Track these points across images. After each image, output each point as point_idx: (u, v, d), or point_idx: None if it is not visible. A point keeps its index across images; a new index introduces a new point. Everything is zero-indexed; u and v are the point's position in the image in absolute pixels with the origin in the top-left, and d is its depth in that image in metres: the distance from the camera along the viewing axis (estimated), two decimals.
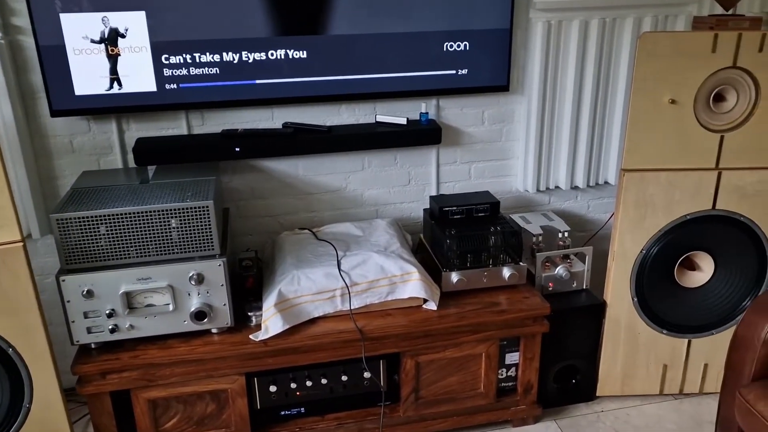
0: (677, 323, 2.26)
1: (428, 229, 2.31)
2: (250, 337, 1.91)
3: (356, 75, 2.23)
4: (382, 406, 2.11)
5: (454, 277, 2.11)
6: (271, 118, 2.27)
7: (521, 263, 2.16)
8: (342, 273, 2.00)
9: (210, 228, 1.82)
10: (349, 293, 1.98)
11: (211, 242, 1.84)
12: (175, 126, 2.21)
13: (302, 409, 2.10)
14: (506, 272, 2.14)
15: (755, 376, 1.73)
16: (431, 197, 2.32)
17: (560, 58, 2.36)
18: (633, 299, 2.22)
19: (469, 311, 2.04)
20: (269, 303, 1.93)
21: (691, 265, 2.27)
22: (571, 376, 2.34)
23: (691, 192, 2.10)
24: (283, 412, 2.09)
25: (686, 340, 2.28)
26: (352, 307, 2.00)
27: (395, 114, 2.34)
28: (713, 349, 2.28)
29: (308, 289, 1.97)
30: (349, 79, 2.23)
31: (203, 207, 1.80)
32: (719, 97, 2.05)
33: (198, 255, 1.85)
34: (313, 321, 1.99)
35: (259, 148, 2.20)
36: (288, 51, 2.14)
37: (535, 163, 2.49)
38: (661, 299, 2.24)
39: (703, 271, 2.25)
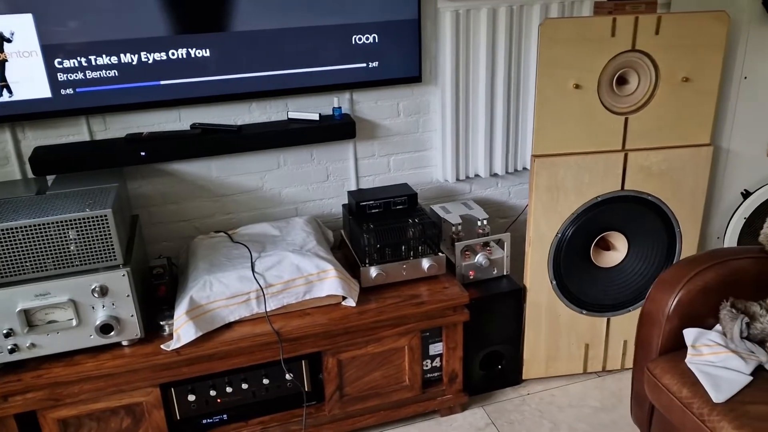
0: (596, 303, 2.31)
1: (347, 225, 2.29)
2: (162, 347, 1.85)
3: (264, 72, 2.18)
4: (304, 408, 2.08)
5: (373, 271, 2.09)
6: (179, 120, 2.20)
7: (440, 254, 2.16)
8: (256, 275, 1.95)
9: (110, 238, 1.75)
10: (264, 295, 1.94)
11: (113, 252, 1.76)
12: (75, 132, 2.11)
13: (225, 416, 2.06)
14: (425, 263, 2.14)
15: (662, 351, 1.78)
16: (349, 192, 2.30)
17: (471, 48, 2.37)
18: (552, 282, 2.25)
19: (389, 305, 2.03)
20: (180, 311, 1.87)
21: (607, 246, 2.32)
22: (496, 362, 2.36)
23: (600, 174, 2.14)
24: (204, 421, 2.04)
25: (605, 319, 2.34)
26: (269, 309, 1.97)
27: (308, 110, 2.30)
28: (631, 325, 2.34)
29: (221, 294, 1.92)
30: (257, 76, 2.17)
31: (101, 216, 1.72)
32: (622, 80, 2.10)
33: (101, 266, 1.78)
34: (230, 326, 1.94)
35: (166, 152, 2.13)
36: (190, 50, 2.07)
37: (452, 153, 2.49)
38: (579, 280, 2.28)
39: (618, 250, 2.30)
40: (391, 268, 2.12)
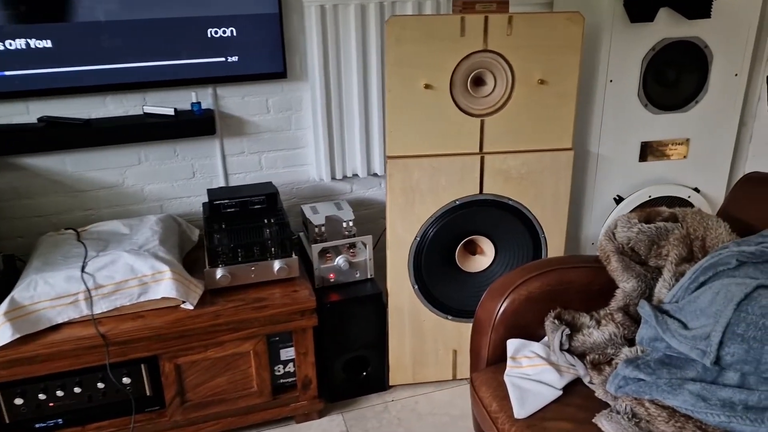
0: (462, 308, 2.25)
1: (204, 224, 2.22)
2: None
3: (116, 64, 2.10)
4: (132, 415, 2.01)
5: (218, 273, 2.03)
6: (27, 113, 2.12)
7: (293, 256, 2.10)
8: (86, 275, 1.88)
9: None
10: (91, 296, 1.87)
11: None
12: None
13: (60, 420, 1.99)
14: (276, 266, 2.08)
15: (489, 361, 1.73)
16: (208, 190, 2.23)
17: (342, 44, 2.30)
18: (414, 287, 2.20)
19: (228, 309, 1.97)
20: (0, 311, 1.80)
21: (476, 250, 2.27)
22: (363, 367, 2.30)
23: (457, 177, 2.08)
24: (38, 425, 1.97)
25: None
26: (102, 311, 1.90)
27: (168, 104, 2.23)
28: None
29: (46, 295, 1.85)
30: (108, 68, 2.10)
31: None
32: (480, 81, 2.03)
33: None
34: (58, 327, 1.87)
35: (8, 146, 2.05)
36: (29, 40, 1.99)
37: (327, 151, 2.42)
38: (444, 285, 2.23)
39: (486, 255, 2.25)
40: (238, 270, 2.05)
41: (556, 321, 1.66)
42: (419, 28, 1.91)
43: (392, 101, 1.98)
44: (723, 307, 1.36)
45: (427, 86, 1.97)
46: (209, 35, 2.15)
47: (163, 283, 1.93)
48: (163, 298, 1.94)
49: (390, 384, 2.34)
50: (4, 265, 2.00)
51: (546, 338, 1.70)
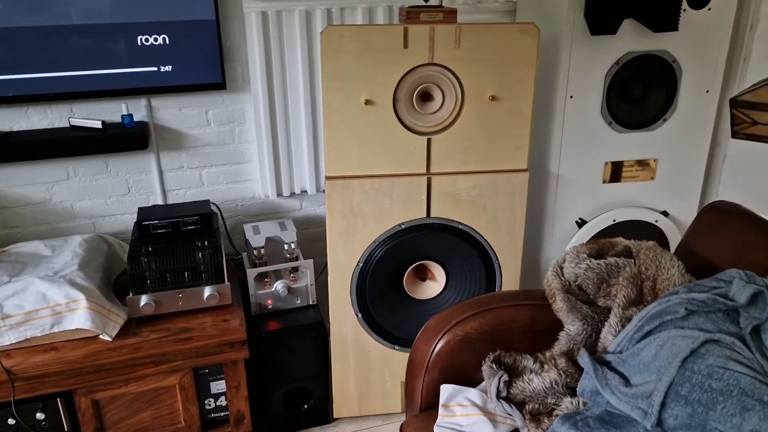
0: (410, 338, 2.10)
1: (130, 246, 2.07)
2: None
3: (39, 73, 1.95)
4: None
5: (142, 300, 1.88)
6: None
7: (226, 282, 1.95)
8: None
9: None
10: None
11: None
12: None
13: None
14: (206, 292, 1.93)
15: (422, 407, 1.58)
16: (139, 209, 2.08)
17: (287, 53, 2.15)
18: (357, 315, 2.05)
19: (151, 340, 1.82)
20: None
21: (426, 275, 2.12)
22: (304, 399, 2.16)
23: (402, 200, 1.93)
24: None
25: None
26: (11, 342, 1.75)
27: (96, 116, 2.08)
28: None
29: None
30: (30, 77, 1.95)
31: None
32: (428, 97, 1.88)
33: None
34: None
35: None
36: None
37: (271, 167, 2.27)
38: (391, 314, 2.08)
39: (437, 281, 2.10)
40: (165, 297, 1.90)
41: (494, 365, 1.51)
42: (358, 38, 1.76)
43: (330, 118, 1.83)
44: (667, 364, 1.21)
45: (367, 102, 1.82)
46: (139, 43, 1.99)
47: (78, 313, 1.78)
48: (78, 329, 1.79)
49: (334, 416, 2.20)
50: None
51: (484, 383, 1.55)
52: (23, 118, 2.04)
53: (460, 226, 1.98)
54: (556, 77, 2.01)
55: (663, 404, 1.20)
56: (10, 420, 1.82)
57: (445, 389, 1.53)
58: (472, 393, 1.52)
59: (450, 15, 1.81)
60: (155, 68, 2.04)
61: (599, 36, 1.93)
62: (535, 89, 2.15)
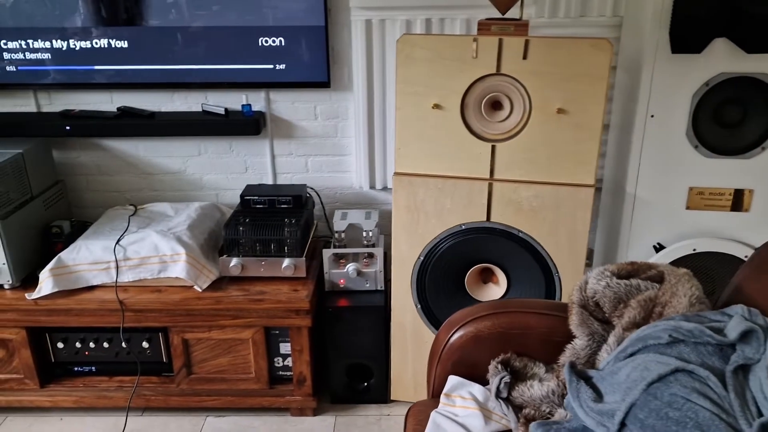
0: None
1: (230, 216, 2.41)
2: (26, 295, 2.13)
3: (180, 65, 2.36)
4: (138, 375, 2.26)
5: (232, 262, 2.20)
6: (111, 102, 2.48)
7: (302, 257, 2.20)
8: (118, 247, 2.16)
9: None
10: (117, 266, 2.14)
11: None
12: (25, 104, 2.48)
13: (93, 368, 2.31)
14: (285, 263, 2.20)
15: (433, 394, 1.68)
16: (246, 186, 2.41)
17: (387, 58, 2.34)
18: (416, 306, 2.18)
19: (231, 296, 2.13)
20: (48, 267, 2.14)
21: (491, 278, 2.19)
22: (366, 376, 2.34)
23: (463, 201, 2.03)
24: (76, 368, 2.31)
25: None
26: (129, 280, 2.17)
27: (225, 104, 2.45)
28: None
29: (85, 259, 2.16)
30: (174, 68, 2.37)
31: None
32: (498, 105, 1.96)
33: None
34: (93, 288, 2.18)
35: (89, 129, 2.41)
36: (110, 40, 2.32)
37: (366, 161, 2.49)
38: (450, 310, 2.17)
39: (499, 285, 2.16)
40: (250, 262, 2.21)
41: (499, 366, 1.57)
42: (430, 47, 1.90)
43: (401, 119, 1.99)
44: (633, 386, 1.20)
45: (435, 106, 1.95)
46: (260, 44, 2.32)
47: (179, 264, 2.15)
48: (177, 278, 2.16)
49: (392, 398, 2.35)
50: (72, 230, 2.36)
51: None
52: (168, 101, 2.48)
53: (520, 234, 2.02)
54: (637, 95, 1.95)
55: (624, 425, 1.19)
56: (123, 343, 2.25)
57: (452, 380, 1.62)
58: (476, 388, 1.59)
59: (521, 28, 1.87)
60: (272, 66, 2.35)
61: (683, 54, 1.84)
62: (612, 105, 2.11)
